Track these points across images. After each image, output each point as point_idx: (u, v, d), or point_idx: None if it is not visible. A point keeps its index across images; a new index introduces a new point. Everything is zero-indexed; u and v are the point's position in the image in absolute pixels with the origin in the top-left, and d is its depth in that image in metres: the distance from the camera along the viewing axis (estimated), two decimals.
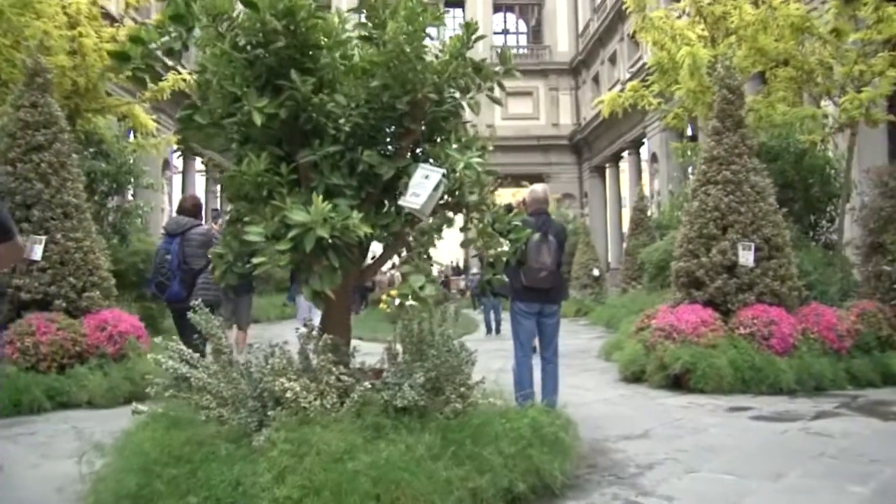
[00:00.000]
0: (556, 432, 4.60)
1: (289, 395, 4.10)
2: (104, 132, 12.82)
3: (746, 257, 8.79)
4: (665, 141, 24.30)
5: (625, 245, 24.09)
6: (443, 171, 4.28)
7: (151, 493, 3.73)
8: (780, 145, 11.61)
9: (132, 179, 13.53)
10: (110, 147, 12.90)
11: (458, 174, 4.36)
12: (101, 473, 3.98)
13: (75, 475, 4.09)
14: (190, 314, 4.74)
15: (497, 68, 4.84)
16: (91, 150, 13.04)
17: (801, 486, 4.57)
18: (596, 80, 40.11)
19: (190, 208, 8.59)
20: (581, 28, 42.20)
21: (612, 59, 36.04)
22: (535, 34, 46.65)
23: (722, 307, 8.89)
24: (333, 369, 4.26)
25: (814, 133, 11.69)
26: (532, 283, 6.79)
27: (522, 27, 48.15)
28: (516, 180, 38.83)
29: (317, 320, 8.74)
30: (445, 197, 4.55)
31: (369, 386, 4.22)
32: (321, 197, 4.04)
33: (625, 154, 36.14)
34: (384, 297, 20.98)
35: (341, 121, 4.38)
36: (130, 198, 14.76)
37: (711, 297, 8.94)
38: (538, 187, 7.06)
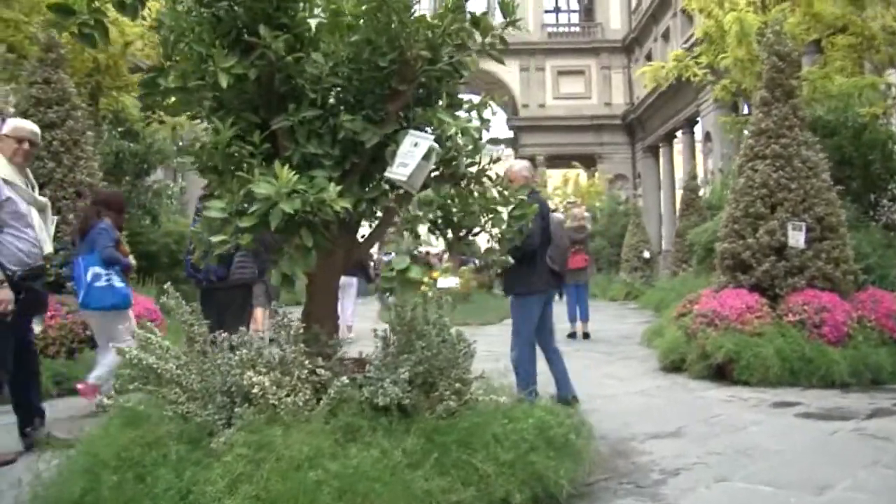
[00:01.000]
0: (566, 434, 4.06)
1: (256, 390, 3.64)
2: (132, 111, 12.54)
3: (797, 238, 8.11)
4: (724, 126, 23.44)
5: (676, 226, 23.28)
6: (432, 137, 3.76)
7: (96, 499, 3.30)
8: (837, 119, 10.89)
9: (162, 159, 13.26)
10: (138, 126, 12.63)
11: (451, 141, 3.84)
12: (46, 476, 3.56)
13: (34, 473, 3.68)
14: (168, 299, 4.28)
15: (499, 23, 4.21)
16: (119, 129, 12.78)
17: (848, 501, 3.98)
18: (649, 57, 38.95)
19: None
20: (634, 4, 41.17)
21: (666, 36, 34.99)
22: (587, 12, 45.74)
23: (769, 292, 8.23)
24: (307, 362, 3.77)
25: (875, 105, 10.89)
26: (560, 266, 6.40)
27: (574, 5, 47.24)
28: (567, 161, 38.43)
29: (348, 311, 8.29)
30: (440, 168, 4.03)
31: (347, 381, 3.73)
32: (289, 167, 3.57)
33: (678, 133, 35.18)
34: (426, 279, 20.52)
35: (321, 82, 3.89)
36: (161, 178, 14.53)
37: (758, 281, 8.28)
38: (520, 164, 6.48)
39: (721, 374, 7.73)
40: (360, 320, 13.59)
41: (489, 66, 39.77)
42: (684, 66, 12.12)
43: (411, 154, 3.75)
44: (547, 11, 46.11)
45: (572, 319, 12.77)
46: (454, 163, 3.93)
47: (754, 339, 7.62)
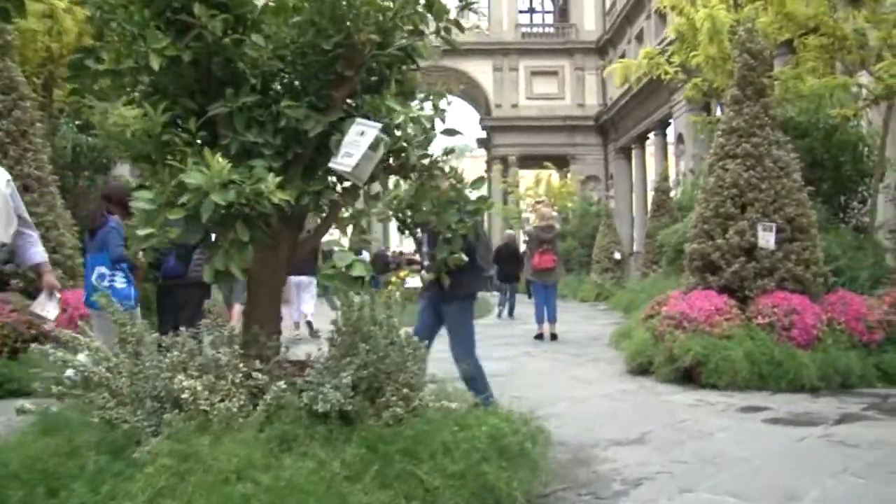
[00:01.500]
0: (522, 442, 3.83)
1: (186, 395, 3.38)
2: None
3: (767, 239, 7.94)
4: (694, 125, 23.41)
5: (647, 228, 23.20)
6: (380, 125, 3.51)
7: None
8: (808, 120, 10.75)
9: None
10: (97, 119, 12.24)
11: (401, 130, 3.59)
12: None
13: None
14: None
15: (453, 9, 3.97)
16: (77, 122, 12.41)
17: None
18: (623, 59, 38.98)
19: None
20: (608, 6, 41.14)
21: (640, 38, 34.96)
22: (562, 13, 45.76)
23: (739, 294, 8.06)
24: (241, 365, 3.51)
25: (846, 107, 10.76)
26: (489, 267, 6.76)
27: (549, 5, 47.29)
28: (540, 161, 38.29)
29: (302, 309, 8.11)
30: (389, 159, 3.77)
31: (285, 386, 3.47)
32: (227, 157, 3.33)
33: (651, 135, 35.17)
34: (393, 278, 20.25)
35: (262, 66, 3.64)
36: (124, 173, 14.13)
37: (727, 282, 8.11)
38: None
39: (689, 377, 7.55)
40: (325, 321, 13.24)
41: (463, 65, 39.65)
42: (655, 63, 11.92)
43: (357, 144, 3.50)
44: (521, 12, 46.06)
45: (539, 321, 12.53)
46: (403, 154, 3.67)
47: (723, 341, 7.44)
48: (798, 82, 10.69)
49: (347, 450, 3.27)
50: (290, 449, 3.25)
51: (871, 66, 10.22)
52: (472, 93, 46.95)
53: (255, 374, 3.54)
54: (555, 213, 13.48)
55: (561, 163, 41.27)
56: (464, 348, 5.80)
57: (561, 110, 43.18)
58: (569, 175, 40.16)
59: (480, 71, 44.18)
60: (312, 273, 11.39)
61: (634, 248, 33.72)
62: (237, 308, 10.94)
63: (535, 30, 45.30)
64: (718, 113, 14.33)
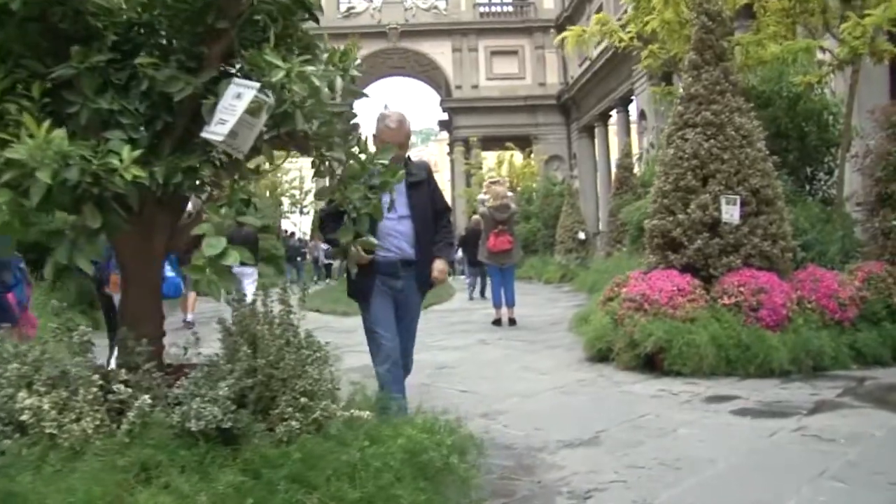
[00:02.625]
0: (447, 456, 3.23)
1: (26, 416, 2.75)
2: None
3: (731, 213, 7.40)
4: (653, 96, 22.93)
5: (610, 206, 22.74)
6: (258, 85, 2.87)
7: None
8: (771, 89, 10.24)
9: None
10: None
11: (286, 91, 2.94)
12: None
13: None
14: None
15: None
16: None
17: None
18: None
19: None
20: None
21: (599, 13, 34.35)
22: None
23: (703, 273, 7.52)
24: (95, 377, 2.87)
25: (809, 74, 10.25)
26: None
27: None
28: (502, 143, 37.73)
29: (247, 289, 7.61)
30: (277, 127, 3.12)
31: (150, 400, 2.84)
32: (78, 128, 2.69)
33: (614, 113, 34.78)
34: None
35: (117, 18, 2.99)
36: None
37: (690, 260, 7.56)
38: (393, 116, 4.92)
39: (651, 364, 7.01)
40: None
41: (421, 47, 38.98)
42: (609, 31, 11.30)
43: (232, 109, 2.85)
44: None
45: (497, 305, 11.96)
46: (290, 119, 3.03)
47: (686, 325, 6.90)
48: (759, 49, 10.14)
49: (222, 478, 2.64)
50: (149, 479, 2.62)
51: (834, 28, 9.70)
52: (433, 74, 46.32)
53: (117, 386, 2.90)
54: (510, 193, 12.82)
55: (524, 143, 40.79)
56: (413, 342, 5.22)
57: (522, 90, 42.73)
58: (532, 155, 39.65)
59: (439, 52, 43.55)
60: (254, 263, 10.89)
61: (600, 228, 33.32)
62: (193, 296, 12.15)
63: (493, 9, 44.58)
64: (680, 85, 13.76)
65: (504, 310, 11.83)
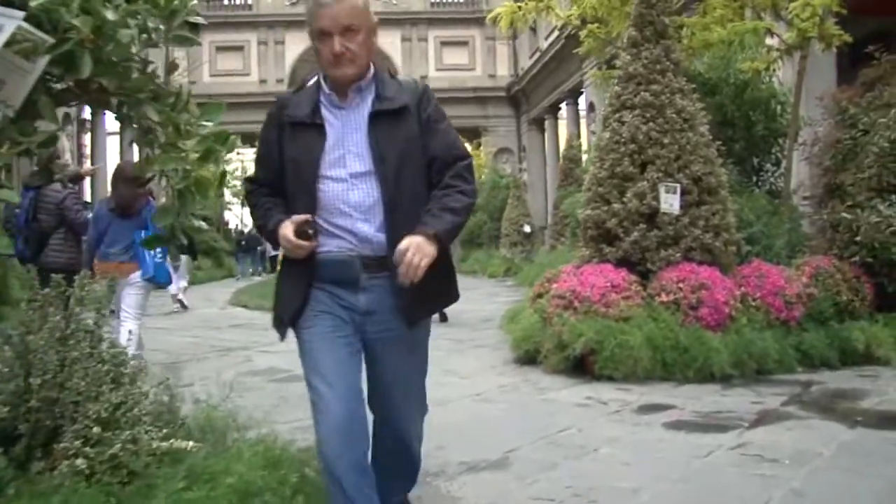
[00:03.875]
0: (290, 497, 2.54)
1: None
2: None
3: (670, 202, 6.79)
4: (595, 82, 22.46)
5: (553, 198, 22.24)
6: (22, 14, 2.13)
7: None
8: (718, 76, 9.70)
9: None
10: None
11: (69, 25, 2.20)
12: None
13: None
14: None
15: None
16: None
17: None
18: (534, 28, 37.94)
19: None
20: None
21: (567, 23, 33.84)
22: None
23: (639, 267, 6.91)
24: None
25: (757, 60, 9.73)
26: None
27: None
28: None
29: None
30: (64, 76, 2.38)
31: None
32: None
33: (563, 105, 34.30)
34: (280, 257, 18.79)
35: None
36: None
37: (626, 254, 6.94)
38: None
39: (582, 367, 6.38)
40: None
41: None
42: (545, 6, 10.64)
43: None
44: None
45: None
46: (75, 64, 2.28)
47: (620, 324, 6.29)
48: (706, 33, 9.58)
49: None
50: None
51: (783, 10, 9.15)
52: (382, 65, 45.24)
53: None
54: None
55: (473, 135, 40.20)
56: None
57: (472, 81, 42.08)
58: (481, 147, 39.07)
59: (389, 42, 42.65)
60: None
61: (548, 221, 32.84)
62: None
63: None
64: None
65: None
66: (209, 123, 2.65)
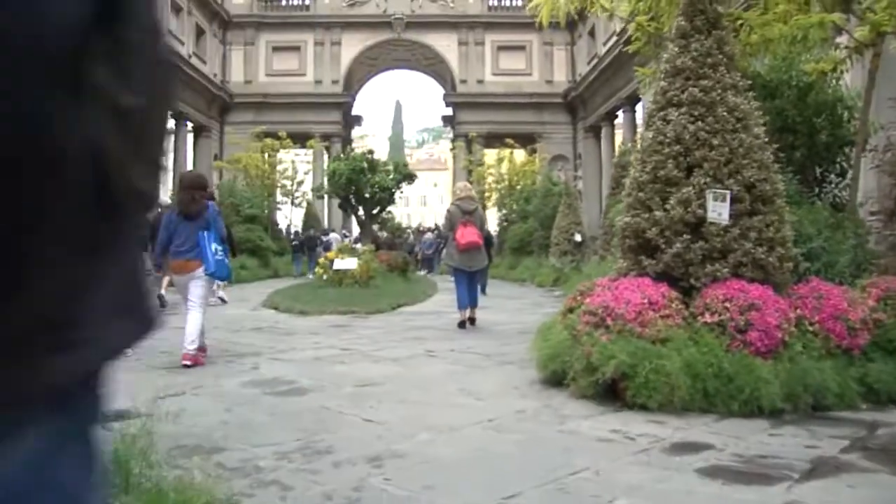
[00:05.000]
0: None
1: None
2: None
3: (719, 211, 6.06)
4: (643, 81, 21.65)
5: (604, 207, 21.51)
6: None
7: None
8: (779, 78, 8.93)
9: None
10: None
11: None
12: None
13: None
14: None
15: None
16: None
17: None
18: (592, 33, 37.34)
19: None
20: None
21: (612, 16, 33.08)
22: None
23: (682, 283, 6.19)
24: None
25: (822, 61, 8.92)
26: None
27: None
28: (501, 139, 36.49)
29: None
30: None
31: None
32: None
33: (620, 112, 33.52)
34: (321, 259, 18.32)
35: None
36: None
37: (667, 267, 6.22)
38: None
39: (613, 392, 5.66)
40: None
41: (427, 39, 37.98)
42: None
43: None
44: None
45: (463, 307, 10.91)
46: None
47: (657, 347, 5.56)
48: (766, 29, 8.78)
49: None
50: None
51: (855, 4, 8.32)
52: (438, 68, 45.18)
53: None
54: (474, 193, 12.02)
55: (528, 141, 39.74)
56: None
57: (528, 87, 41.66)
58: (535, 154, 38.43)
59: (445, 45, 42.47)
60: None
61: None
62: (166, 280, 12.91)
63: (501, 2, 43.34)
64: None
65: (468, 311, 10.96)
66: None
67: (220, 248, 7.78)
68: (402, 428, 4.92)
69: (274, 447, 4.42)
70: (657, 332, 5.67)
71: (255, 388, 6.39)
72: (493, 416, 5.30)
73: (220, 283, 13.68)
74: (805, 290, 6.14)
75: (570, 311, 6.70)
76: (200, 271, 7.65)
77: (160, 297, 13.66)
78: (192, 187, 7.98)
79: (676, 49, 6.58)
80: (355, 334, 10.28)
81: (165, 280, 13.59)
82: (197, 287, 7.76)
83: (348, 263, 16.83)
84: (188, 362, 7.40)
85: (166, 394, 6.04)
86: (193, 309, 7.64)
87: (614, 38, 30.87)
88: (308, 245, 30.09)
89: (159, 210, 10.00)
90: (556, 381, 6.27)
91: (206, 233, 7.66)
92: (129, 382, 6.55)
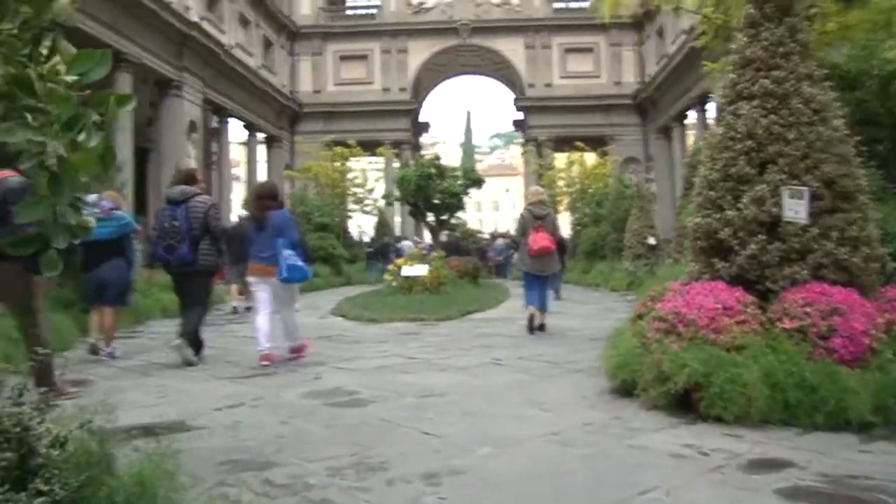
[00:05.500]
0: None
1: None
2: None
3: (796, 209, 5.70)
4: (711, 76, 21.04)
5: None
6: None
7: None
8: (859, 68, 8.51)
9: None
10: None
11: None
12: None
13: None
14: None
15: None
16: None
17: None
18: (660, 33, 36.71)
19: (186, 178, 8.80)
20: None
21: (677, 8, 32.39)
22: None
23: (758, 286, 5.83)
24: None
25: None
26: None
27: None
28: (572, 142, 36.06)
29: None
30: None
31: None
32: None
33: (691, 113, 32.82)
34: (390, 266, 18.22)
35: None
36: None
37: (742, 270, 5.88)
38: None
39: (686, 403, 5.35)
40: None
41: (494, 44, 37.96)
42: None
43: None
44: None
45: (530, 304, 10.86)
46: None
47: (732, 355, 5.23)
48: (844, 14, 8.36)
49: None
50: None
51: None
52: (506, 73, 45.02)
53: None
54: (546, 198, 12.04)
55: (598, 144, 39.25)
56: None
57: (597, 89, 41.23)
58: (606, 156, 37.90)
59: (511, 49, 42.30)
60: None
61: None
62: (234, 287, 14.97)
63: (568, 5, 42.95)
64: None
65: (535, 311, 10.80)
66: (75, 77, 1.88)
67: (292, 253, 8.10)
68: (461, 441, 4.71)
69: (327, 462, 4.26)
70: (732, 339, 5.35)
71: (316, 398, 6.25)
72: (559, 429, 5.05)
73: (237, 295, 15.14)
74: (894, 293, 5.73)
75: (640, 317, 6.39)
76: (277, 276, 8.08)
77: (234, 308, 15.03)
78: (261, 196, 8.56)
79: (745, 39, 6.23)
80: (423, 342, 10.10)
81: (234, 288, 15.08)
82: (281, 291, 8.34)
83: (418, 270, 16.70)
84: (265, 362, 7.92)
85: (224, 405, 5.97)
86: (281, 311, 8.36)
87: (683, 37, 30.25)
88: (382, 252, 30.21)
89: (238, 221, 11.52)
90: (626, 390, 5.99)
91: (281, 240, 8.06)
92: (190, 392, 6.53)
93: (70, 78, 1.92)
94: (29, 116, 1.94)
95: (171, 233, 8.09)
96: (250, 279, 8.67)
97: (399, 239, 33.57)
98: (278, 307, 8.33)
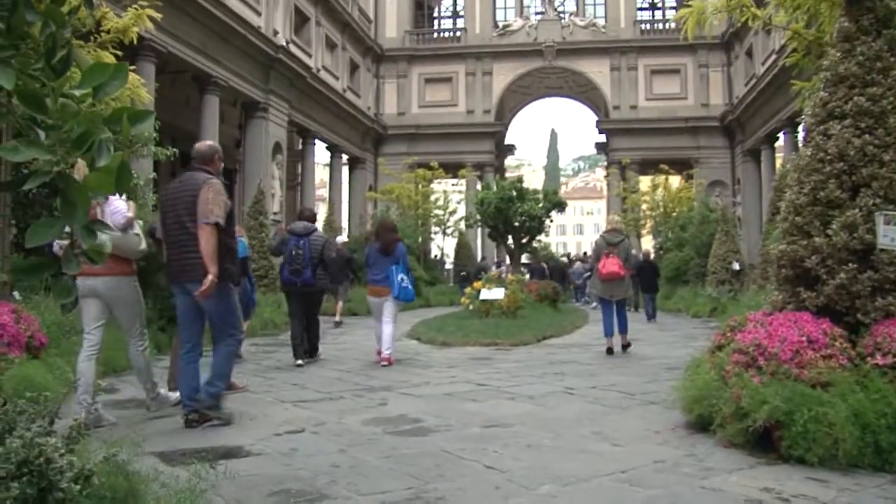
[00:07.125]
0: None
1: None
2: None
3: (892, 236, 5.30)
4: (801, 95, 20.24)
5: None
6: None
7: None
8: None
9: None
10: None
11: None
12: None
13: None
14: None
15: None
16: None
17: None
18: (749, 53, 35.78)
19: (310, 216, 10.99)
20: None
21: (767, 29, 31.57)
22: (683, 7, 42.41)
23: (847, 318, 5.44)
24: None
25: None
26: None
27: (670, 0, 44.19)
28: (656, 165, 35.38)
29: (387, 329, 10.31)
30: None
31: None
32: None
33: (781, 135, 31.81)
34: (467, 289, 17.99)
35: None
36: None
37: (830, 300, 5.49)
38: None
39: (766, 441, 5.00)
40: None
41: (579, 65, 37.65)
42: (737, 4, 9.10)
43: None
44: (640, 8, 43.43)
45: (608, 334, 11.35)
46: None
47: (817, 392, 4.86)
48: None
49: None
50: None
51: None
52: (591, 95, 44.55)
53: None
54: (622, 226, 12.43)
55: (684, 167, 38.42)
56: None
57: (683, 111, 40.36)
58: (691, 179, 37.08)
59: (597, 71, 41.81)
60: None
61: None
62: (340, 304, 17.88)
63: (654, 26, 42.32)
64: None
65: (616, 338, 11.37)
66: (85, 91, 1.74)
67: (406, 277, 10.18)
68: (524, 478, 4.46)
69: (381, 496, 4.07)
70: (817, 375, 4.97)
71: (377, 426, 6.07)
72: (628, 466, 4.75)
73: (338, 307, 17.88)
74: None
75: (720, 348, 6.04)
76: (390, 295, 10.06)
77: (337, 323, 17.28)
78: (392, 230, 10.60)
79: (839, 54, 5.85)
80: (494, 368, 9.86)
81: (339, 305, 17.76)
82: (389, 308, 10.20)
83: (495, 294, 16.45)
84: (385, 363, 9.98)
85: (284, 430, 5.84)
86: (387, 324, 10.11)
87: (773, 57, 29.41)
88: (476, 275, 30.15)
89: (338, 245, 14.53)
90: (702, 425, 5.66)
91: (395, 266, 10.11)
92: (252, 416, 6.41)
93: (79, 92, 1.80)
94: (42, 134, 1.82)
95: (296, 259, 10.20)
96: (369, 298, 10.70)
97: (498, 263, 33.38)
98: (388, 319, 10.14)
